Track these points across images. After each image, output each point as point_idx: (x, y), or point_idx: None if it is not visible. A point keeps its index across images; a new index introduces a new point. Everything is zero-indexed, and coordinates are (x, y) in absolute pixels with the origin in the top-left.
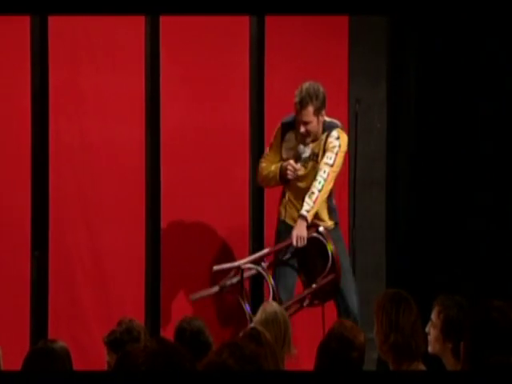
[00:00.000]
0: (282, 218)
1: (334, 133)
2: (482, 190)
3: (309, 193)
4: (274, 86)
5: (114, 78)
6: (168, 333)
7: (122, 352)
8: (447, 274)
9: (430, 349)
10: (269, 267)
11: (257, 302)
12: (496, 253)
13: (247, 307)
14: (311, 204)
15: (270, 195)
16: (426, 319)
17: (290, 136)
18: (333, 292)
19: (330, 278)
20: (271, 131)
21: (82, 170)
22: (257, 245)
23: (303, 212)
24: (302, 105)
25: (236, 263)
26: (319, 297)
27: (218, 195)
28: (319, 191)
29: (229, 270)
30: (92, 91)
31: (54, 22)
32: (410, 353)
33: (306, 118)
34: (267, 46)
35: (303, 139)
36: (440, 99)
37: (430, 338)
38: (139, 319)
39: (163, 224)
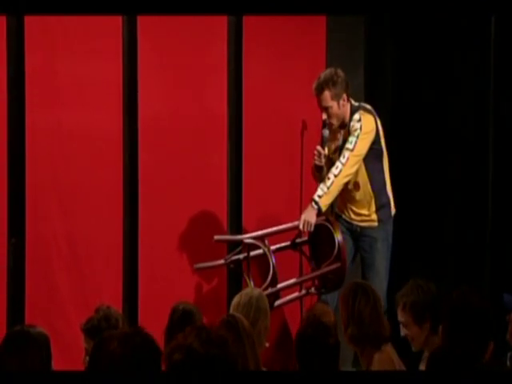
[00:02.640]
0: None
1: (356, 115)
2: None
3: (325, 177)
4: (251, 72)
5: (91, 64)
6: (145, 320)
7: (99, 338)
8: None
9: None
10: (278, 249)
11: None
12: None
13: (253, 285)
14: (325, 189)
15: (248, 183)
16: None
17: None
18: (337, 282)
19: (333, 266)
20: (249, 118)
21: (58, 157)
22: (234, 232)
23: (315, 197)
24: (318, 91)
25: (238, 236)
26: (324, 285)
27: (196, 182)
28: (335, 176)
29: (234, 243)
30: (69, 78)
31: None
32: (368, 341)
33: (324, 104)
34: (245, 33)
35: (329, 125)
36: (417, 86)
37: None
38: (117, 306)
39: (141, 211)
